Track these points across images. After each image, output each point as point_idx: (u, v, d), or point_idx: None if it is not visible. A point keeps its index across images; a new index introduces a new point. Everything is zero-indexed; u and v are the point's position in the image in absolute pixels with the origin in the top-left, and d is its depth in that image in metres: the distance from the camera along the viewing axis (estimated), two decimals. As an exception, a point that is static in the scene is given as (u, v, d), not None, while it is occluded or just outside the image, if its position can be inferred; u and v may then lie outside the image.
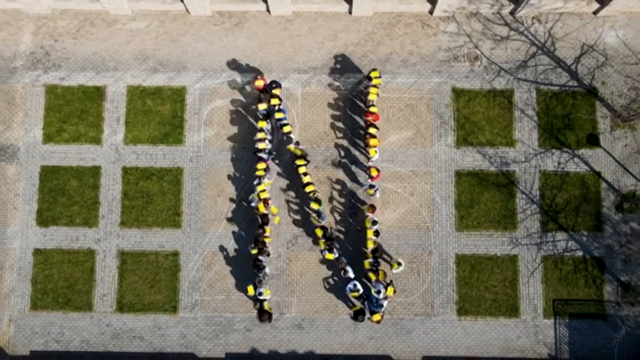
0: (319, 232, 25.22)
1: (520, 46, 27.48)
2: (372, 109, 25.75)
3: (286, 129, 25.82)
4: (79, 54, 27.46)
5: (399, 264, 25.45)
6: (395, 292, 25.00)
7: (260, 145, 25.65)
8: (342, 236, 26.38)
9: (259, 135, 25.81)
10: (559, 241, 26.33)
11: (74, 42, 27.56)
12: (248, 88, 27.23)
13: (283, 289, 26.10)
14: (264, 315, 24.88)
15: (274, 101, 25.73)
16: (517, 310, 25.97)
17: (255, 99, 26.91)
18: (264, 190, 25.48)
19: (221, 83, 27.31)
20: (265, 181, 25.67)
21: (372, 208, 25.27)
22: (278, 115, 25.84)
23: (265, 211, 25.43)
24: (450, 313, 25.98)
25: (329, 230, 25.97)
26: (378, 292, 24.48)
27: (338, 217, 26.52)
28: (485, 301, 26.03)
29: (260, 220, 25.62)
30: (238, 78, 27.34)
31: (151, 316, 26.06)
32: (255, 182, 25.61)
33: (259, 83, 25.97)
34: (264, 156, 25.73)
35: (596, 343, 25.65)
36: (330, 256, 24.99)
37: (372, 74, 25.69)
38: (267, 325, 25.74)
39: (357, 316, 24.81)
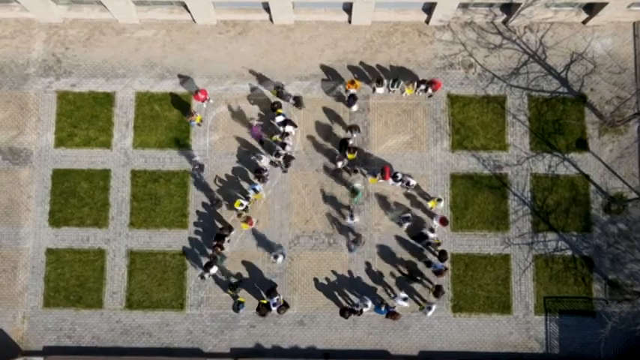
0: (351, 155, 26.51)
1: (512, 54, 28.32)
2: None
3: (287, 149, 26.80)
4: (89, 61, 28.30)
5: (440, 200, 26.34)
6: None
7: (260, 163, 26.75)
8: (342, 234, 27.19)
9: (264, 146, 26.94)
10: (549, 241, 27.21)
11: (84, 50, 28.39)
12: (251, 95, 28.02)
13: (285, 287, 26.94)
14: (262, 309, 25.53)
15: (278, 111, 26.61)
16: (509, 307, 26.85)
17: (263, 110, 27.74)
18: (242, 206, 26.12)
19: (226, 89, 28.12)
20: (260, 191, 26.47)
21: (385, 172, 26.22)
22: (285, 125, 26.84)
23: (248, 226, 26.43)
24: (446, 310, 26.83)
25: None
26: (405, 299, 25.64)
27: (338, 218, 27.32)
28: (479, 298, 26.90)
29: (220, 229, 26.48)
30: (242, 84, 28.14)
31: (159, 312, 26.93)
32: (251, 192, 26.38)
33: (200, 97, 26.98)
34: (263, 166, 26.67)
35: (585, 339, 26.57)
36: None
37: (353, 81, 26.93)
38: (270, 322, 26.57)
39: (344, 312, 25.61)
